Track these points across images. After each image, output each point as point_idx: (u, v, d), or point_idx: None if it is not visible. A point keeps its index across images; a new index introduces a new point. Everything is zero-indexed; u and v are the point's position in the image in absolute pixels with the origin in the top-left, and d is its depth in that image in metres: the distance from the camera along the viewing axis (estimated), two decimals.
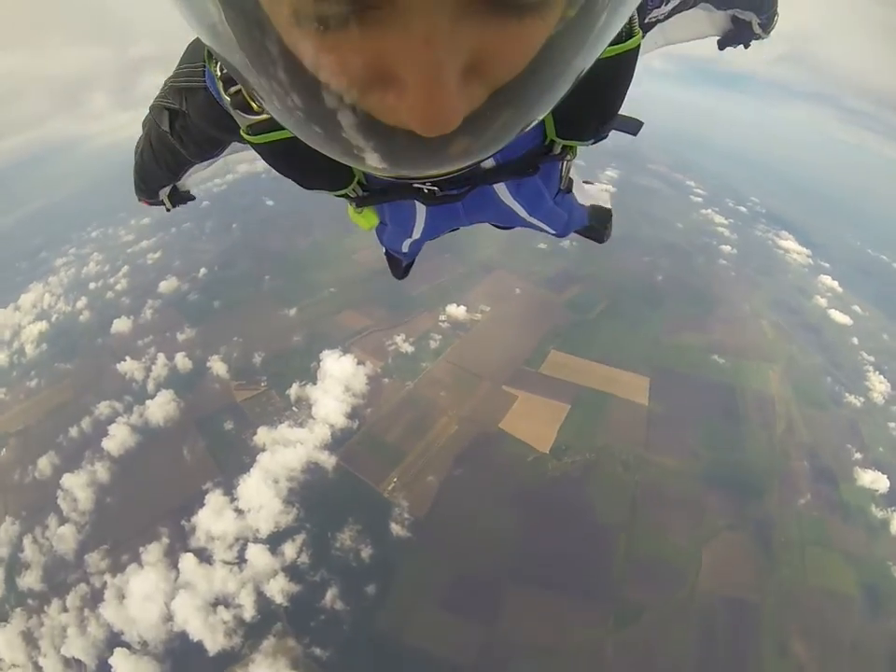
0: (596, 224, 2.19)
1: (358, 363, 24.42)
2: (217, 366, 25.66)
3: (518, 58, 0.45)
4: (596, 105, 1.01)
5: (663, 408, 22.74)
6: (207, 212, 42.80)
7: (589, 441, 20.82)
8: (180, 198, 1.82)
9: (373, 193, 1.21)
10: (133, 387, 25.85)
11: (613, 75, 0.94)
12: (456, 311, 27.42)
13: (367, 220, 1.38)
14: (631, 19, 0.88)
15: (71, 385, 27.21)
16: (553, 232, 1.88)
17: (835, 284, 38.11)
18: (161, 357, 26.83)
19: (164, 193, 1.73)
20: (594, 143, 1.15)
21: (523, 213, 1.52)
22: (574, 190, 1.80)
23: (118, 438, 22.87)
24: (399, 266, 2.47)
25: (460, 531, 18.23)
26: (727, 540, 18.38)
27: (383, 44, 0.40)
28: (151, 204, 1.80)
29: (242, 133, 0.96)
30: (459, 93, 0.43)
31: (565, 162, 1.44)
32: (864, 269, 45.24)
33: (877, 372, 27.88)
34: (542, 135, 1.14)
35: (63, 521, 20.13)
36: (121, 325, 30.31)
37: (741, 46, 2.01)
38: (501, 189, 1.36)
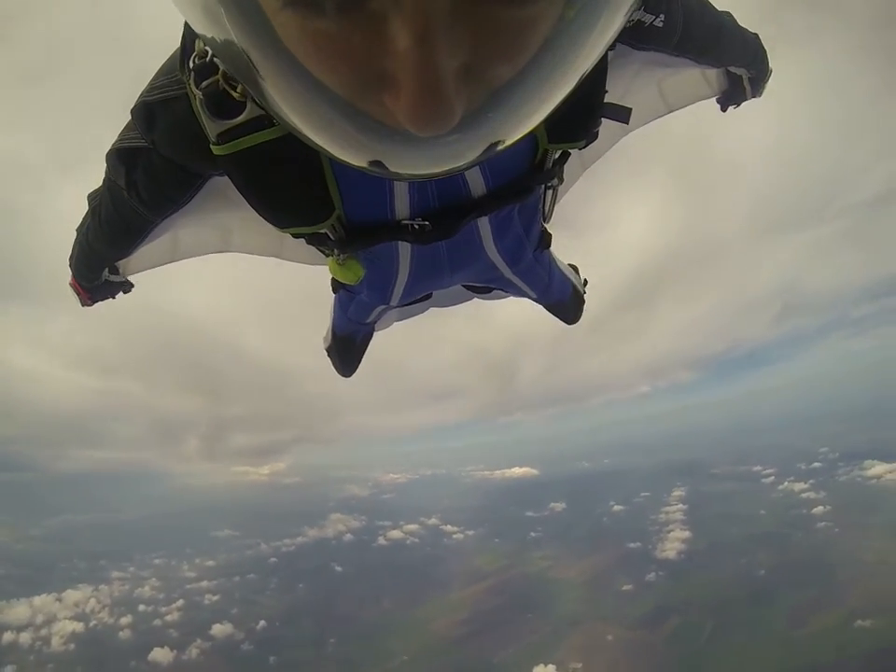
0: (572, 303, 2.21)
1: None
2: None
3: (517, 56, 0.44)
4: (579, 95, 1.04)
5: None
6: (274, 568, 43.42)
7: None
8: (121, 285, 1.74)
9: (357, 235, 1.13)
10: None
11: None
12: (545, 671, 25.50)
13: (353, 272, 1.24)
14: None
15: None
16: (534, 296, 1.92)
17: None
18: None
19: (107, 274, 1.62)
20: (585, 144, 1.14)
21: (504, 267, 1.54)
22: (555, 257, 1.91)
23: None
24: (351, 350, 2.28)
25: None
26: None
27: (377, 41, 0.38)
28: (91, 297, 1.68)
29: (211, 146, 0.91)
30: (457, 93, 0.42)
31: (551, 191, 1.45)
32: None
33: None
34: (535, 148, 1.12)
35: None
36: (161, 655, 28.73)
37: (734, 106, 1.92)
38: (486, 236, 1.35)
